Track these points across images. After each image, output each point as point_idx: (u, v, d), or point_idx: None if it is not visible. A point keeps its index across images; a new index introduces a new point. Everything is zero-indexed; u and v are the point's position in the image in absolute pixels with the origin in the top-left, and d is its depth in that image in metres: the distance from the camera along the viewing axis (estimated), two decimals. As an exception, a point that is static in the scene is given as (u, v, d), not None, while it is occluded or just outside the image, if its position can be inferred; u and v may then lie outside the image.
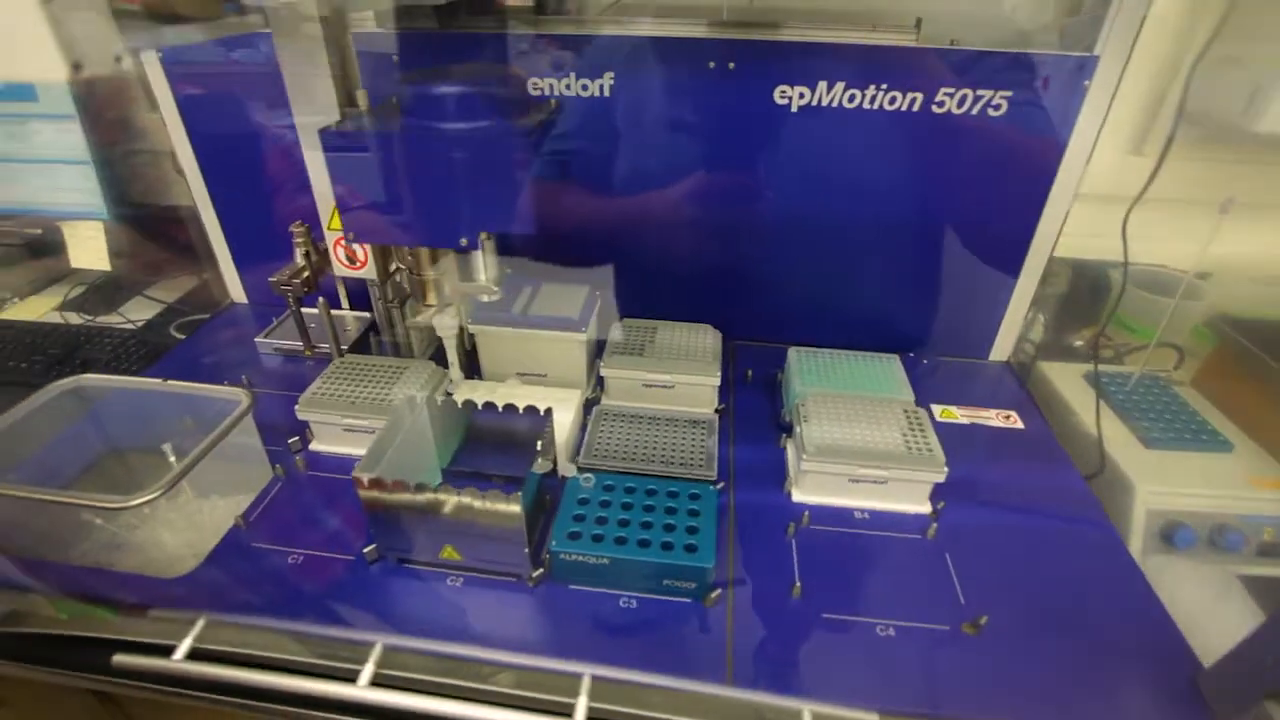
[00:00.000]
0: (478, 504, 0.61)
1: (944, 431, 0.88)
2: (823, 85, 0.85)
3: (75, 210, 1.16)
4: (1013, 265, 0.97)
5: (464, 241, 0.64)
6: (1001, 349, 1.05)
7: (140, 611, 0.65)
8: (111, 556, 0.74)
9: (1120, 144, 1.03)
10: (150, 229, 1.22)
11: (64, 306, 1.25)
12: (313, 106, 0.69)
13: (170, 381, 0.77)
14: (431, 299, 0.73)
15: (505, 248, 1.02)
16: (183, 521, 0.76)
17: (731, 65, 0.85)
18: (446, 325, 0.78)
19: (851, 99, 0.86)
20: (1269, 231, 1.03)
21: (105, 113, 1.10)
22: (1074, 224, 0.95)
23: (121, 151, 1.13)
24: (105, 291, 1.28)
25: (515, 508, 0.60)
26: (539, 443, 0.68)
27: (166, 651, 0.61)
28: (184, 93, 0.96)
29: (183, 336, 1.13)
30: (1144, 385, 0.99)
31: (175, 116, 0.98)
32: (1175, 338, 1.03)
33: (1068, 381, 1.01)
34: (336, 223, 0.72)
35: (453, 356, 0.82)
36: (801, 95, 0.86)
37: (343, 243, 0.74)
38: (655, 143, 0.92)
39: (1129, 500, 0.83)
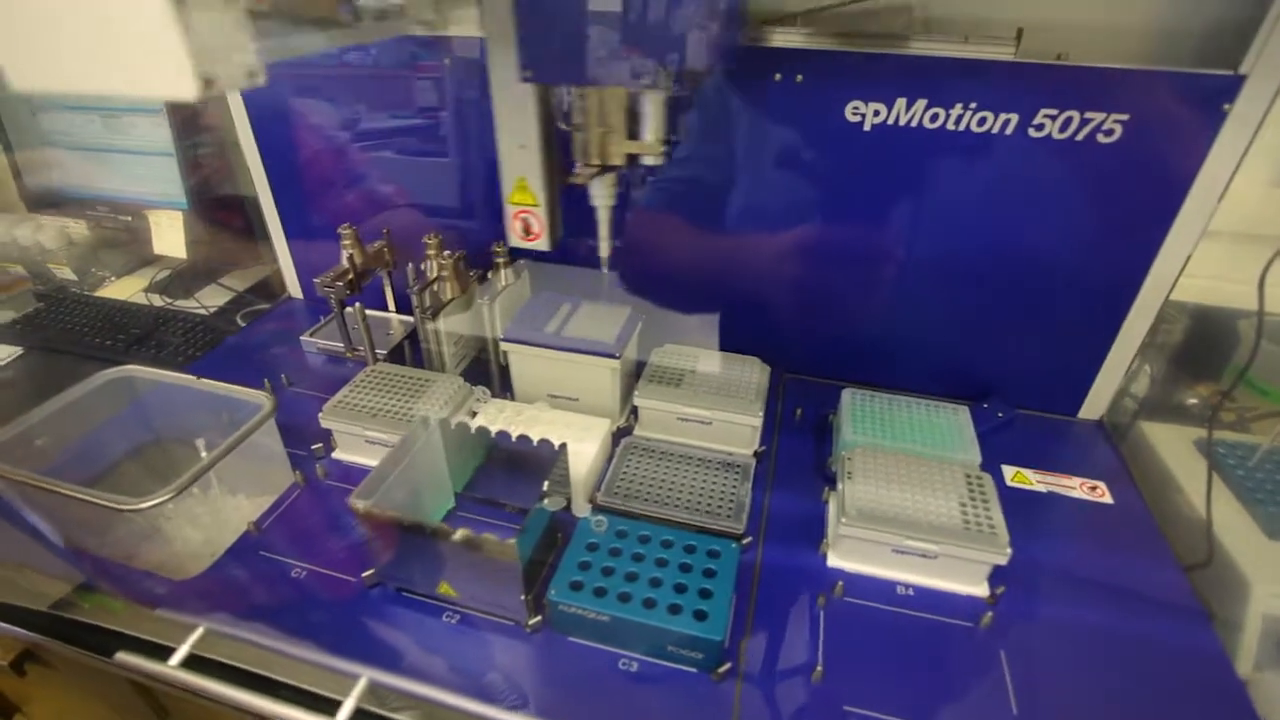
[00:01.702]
0: (473, 543, 0.57)
1: (1013, 499, 0.78)
2: (901, 102, 0.76)
3: (159, 200, 1.22)
4: (1117, 310, 0.84)
5: (646, 80, 0.57)
6: (1095, 405, 0.92)
7: (147, 610, 0.65)
8: (141, 546, 0.76)
9: (1269, 176, 0.88)
10: (223, 220, 1.26)
11: (150, 289, 1.31)
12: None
13: (203, 379, 0.77)
14: (595, 158, 0.68)
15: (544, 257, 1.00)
16: (209, 517, 0.77)
17: (799, 78, 0.78)
18: (601, 194, 0.73)
19: (934, 118, 0.76)
20: None
21: (183, 107, 1.15)
22: (1200, 265, 0.82)
23: (196, 144, 1.18)
24: (186, 277, 1.34)
25: (511, 551, 0.56)
26: (546, 482, 0.63)
27: (166, 653, 0.61)
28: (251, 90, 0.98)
29: (245, 325, 1.17)
30: (1273, 461, 0.84)
31: (242, 111, 1.00)
32: (1320, 407, 0.88)
33: (1174, 448, 0.88)
34: (517, 196, 0.72)
35: (604, 231, 0.77)
36: (876, 113, 0.78)
37: (521, 216, 0.74)
38: (711, 158, 0.86)
39: (1242, 601, 0.70)
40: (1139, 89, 0.71)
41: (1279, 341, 0.92)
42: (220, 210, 1.25)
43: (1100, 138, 0.73)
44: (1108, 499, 0.80)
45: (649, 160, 0.68)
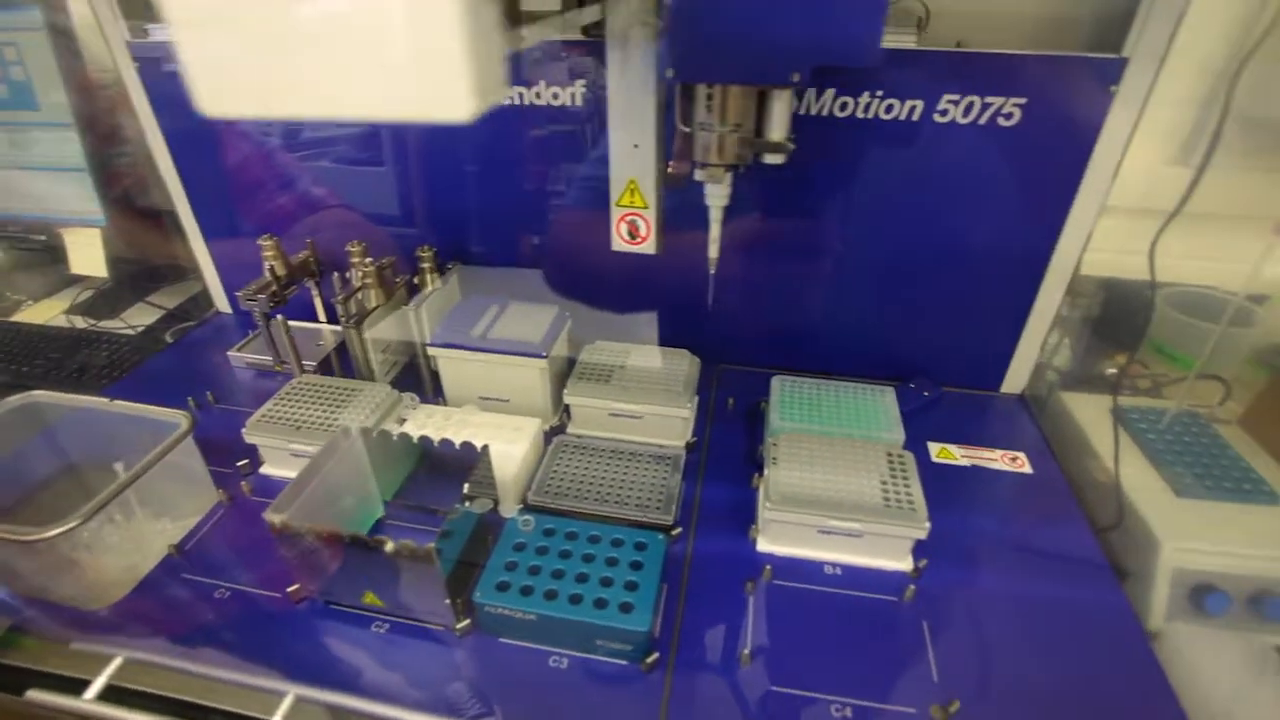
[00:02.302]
0: (393, 550, 0.56)
1: (939, 474, 0.81)
2: (810, 92, 0.78)
3: (74, 217, 1.18)
4: (1027, 288, 0.87)
5: (796, 77, 0.58)
6: (1015, 380, 0.95)
7: (61, 644, 0.63)
8: (55, 577, 0.73)
9: (1164, 153, 0.92)
10: (147, 236, 1.22)
11: (71, 310, 1.27)
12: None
13: (116, 401, 0.75)
14: (717, 157, 0.68)
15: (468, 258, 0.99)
16: (130, 544, 0.75)
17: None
18: (719, 194, 0.72)
19: (843, 107, 0.78)
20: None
21: (101, 120, 1.11)
22: (1111, 240, 0.85)
23: (111, 156, 1.14)
24: (110, 297, 1.29)
25: (430, 556, 0.56)
26: (466, 485, 0.63)
27: (82, 687, 0.59)
28: (161, 98, 0.96)
29: (173, 343, 1.13)
30: (1181, 423, 0.88)
31: (153, 123, 0.97)
32: (1223, 369, 0.92)
33: (1092, 416, 0.91)
34: (626, 198, 0.72)
35: (716, 232, 0.77)
36: (788, 103, 0.79)
37: (628, 218, 0.73)
38: None
39: (1152, 557, 0.73)
40: (1033, 73, 0.73)
41: (1183, 309, 0.97)
42: (143, 225, 1.21)
43: (1001, 121, 0.76)
44: (1028, 469, 0.83)
45: (772, 158, 0.68)
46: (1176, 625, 0.71)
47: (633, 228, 0.74)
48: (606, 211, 0.93)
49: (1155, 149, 0.89)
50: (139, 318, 1.24)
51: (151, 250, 1.24)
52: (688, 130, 0.68)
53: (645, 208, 0.72)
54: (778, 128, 0.66)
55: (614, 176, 0.71)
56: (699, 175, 0.71)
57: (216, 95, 0.32)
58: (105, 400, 0.76)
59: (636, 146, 0.68)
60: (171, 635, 0.63)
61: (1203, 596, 0.70)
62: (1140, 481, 0.80)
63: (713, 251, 0.78)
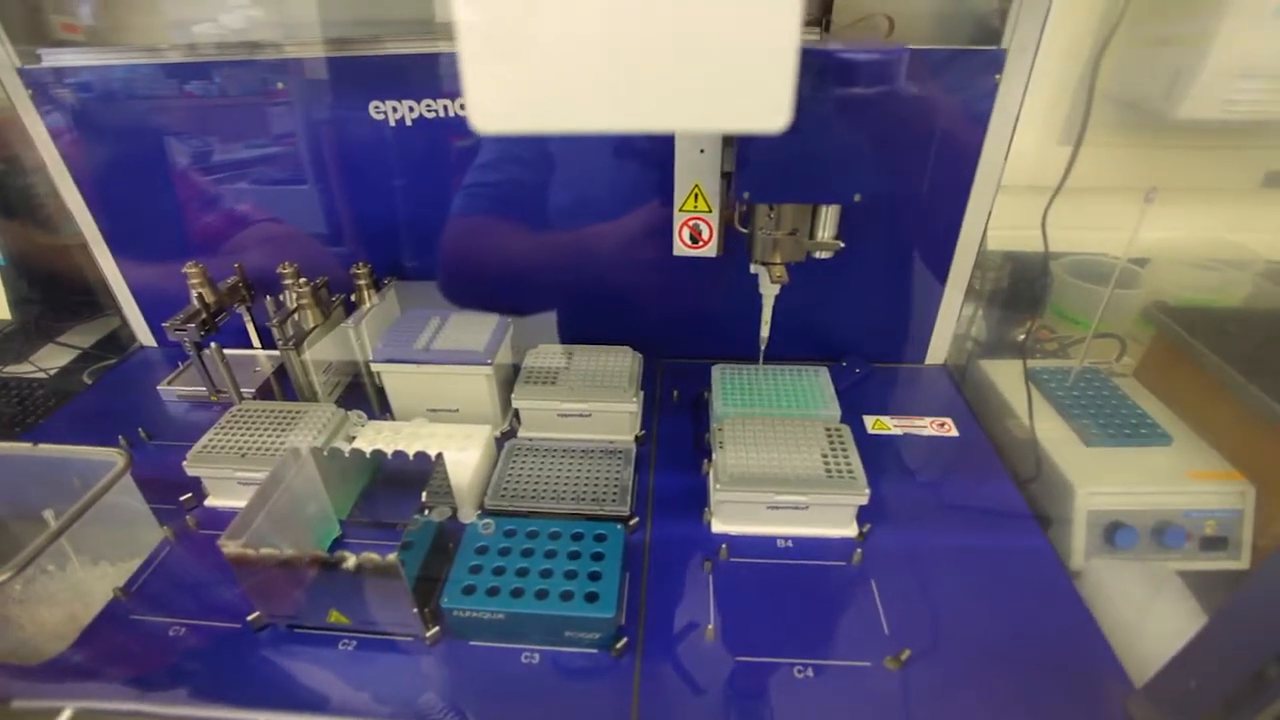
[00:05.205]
0: (355, 566, 0.57)
1: (875, 444, 0.86)
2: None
3: (-33, 258, 1.11)
4: (940, 266, 0.94)
5: (857, 198, 0.65)
6: (938, 351, 1.02)
7: (1, 705, 0.60)
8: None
9: (1050, 134, 1.00)
10: (56, 273, 1.16)
11: (-30, 358, 1.18)
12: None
13: (40, 445, 0.72)
14: (776, 257, 0.74)
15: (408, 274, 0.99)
16: (68, 593, 0.71)
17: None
18: (773, 288, 0.78)
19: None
20: (1203, 215, 1.02)
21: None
22: (1013, 217, 0.92)
23: (14, 191, 1.08)
24: (17, 340, 1.22)
25: (394, 568, 0.56)
26: (424, 494, 0.63)
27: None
28: (57, 124, 0.91)
29: (93, 383, 1.08)
30: (1084, 379, 0.96)
31: (53, 153, 0.93)
32: (1117, 328, 1.01)
33: (1008, 380, 0.98)
34: (689, 204, 0.74)
35: (767, 315, 0.83)
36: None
37: (691, 222, 0.76)
38: (520, 157, 0.89)
39: (1069, 503, 0.80)
40: (926, 66, 0.79)
41: (1078, 275, 1.06)
42: (51, 262, 1.15)
43: (903, 111, 0.82)
44: (954, 433, 0.89)
45: (821, 254, 0.75)
46: (1094, 562, 0.77)
47: (695, 232, 0.77)
48: (508, 218, 0.94)
49: (1041, 130, 0.97)
50: (50, 360, 1.18)
51: (65, 287, 1.18)
52: (745, 231, 0.74)
53: (709, 211, 0.75)
54: (829, 229, 0.73)
55: (679, 181, 0.73)
56: (754, 269, 0.77)
57: (494, 111, 0.32)
58: (28, 445, 0.72)
59: (702, 151, 0.71)
60: (124, 680, 0.61)
61: (1114, 533, 0.77)
62: (1054, 435, 0.87)
63: (764, 332, 0.85)
